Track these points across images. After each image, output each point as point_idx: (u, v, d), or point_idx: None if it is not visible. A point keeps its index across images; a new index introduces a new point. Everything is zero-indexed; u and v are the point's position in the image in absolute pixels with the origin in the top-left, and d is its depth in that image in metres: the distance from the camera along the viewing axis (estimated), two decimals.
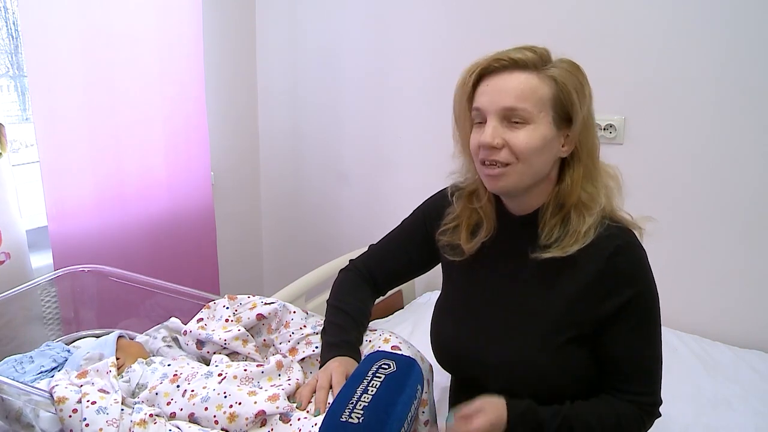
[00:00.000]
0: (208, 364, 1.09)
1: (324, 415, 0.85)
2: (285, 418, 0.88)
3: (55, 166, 1.57)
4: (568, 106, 0.90)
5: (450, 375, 1.15)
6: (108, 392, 0.93)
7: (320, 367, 0.99)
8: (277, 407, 0.89)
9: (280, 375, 1.00)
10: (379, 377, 0.89)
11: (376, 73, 2.10)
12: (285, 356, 1.07)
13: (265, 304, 1.16)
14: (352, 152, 2.23)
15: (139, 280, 1.36)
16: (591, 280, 0.92)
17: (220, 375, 0.97)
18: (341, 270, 1.20)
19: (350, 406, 0.83)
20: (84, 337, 1.37)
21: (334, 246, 2.30)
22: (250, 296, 1.20)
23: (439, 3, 1.93)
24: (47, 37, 1.50)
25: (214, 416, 0.90)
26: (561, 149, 0.93)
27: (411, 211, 1.17)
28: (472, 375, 1.03)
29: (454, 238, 1.05)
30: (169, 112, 1.83)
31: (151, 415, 0.90)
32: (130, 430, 0.87)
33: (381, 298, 1.22)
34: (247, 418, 0.88)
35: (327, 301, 1.13)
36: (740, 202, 1.60)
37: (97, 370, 1.02)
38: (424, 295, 2.02)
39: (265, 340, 1.15)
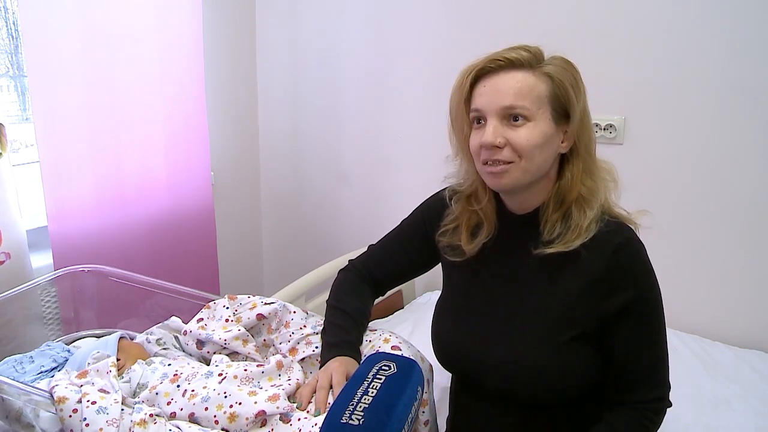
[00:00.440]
0: (208, 364, 1.09)
1: (324, 416, 0.85)
2: (285, 418, 0.88)
3: (55, 166, 1.57)
4: (565, 102, 0.92)
5: (450, 375, 1.15)
6: (108, 392, 0.93)
7: (320, 367, 0.99)
8: (278, 407, 0.89)
9: (280, 375, 1.00)
10: (380, 379, 0.89)
11: (376, 73, 2.10)
12: (285, 356, 1.07)
13: (265, 304, 1.16)
14: (352, 152, 2.23)
15: (139, 280, 1.36)
16: (593, 277, 0.92)
17: (220, 375, 0.97)
18: (340, 270, 1.20)
19: (350, 407, 0.83)
20: (84, 337, 1.37)
21: (334, 246, 2.30)
22: (250, 296, 1.20)
23: (439, 3, 1.93)
24: (47, 37, 1.50)
25: (215, 416, 0.90)
26: (560, 145, 0.94)
27: (410, 212, 1.17)
28: (473, 374, 1.03)
29: (454, 239, 1.05)
30: (169, 112, 1.83)
31: (151, 415, 0.90)
32: (130, 430, 0.87)
33: (381, 298, 1.22)
34: (247, 418, 0.88)
35: (327, 301, 1.13)
36: (740, 202, 1.60)
37: (97, 370, 1.02)
38: (424, 295, 2.02)
39: (265, 340, 1.15)
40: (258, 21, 2.31)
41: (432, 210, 1.11)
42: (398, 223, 1.18)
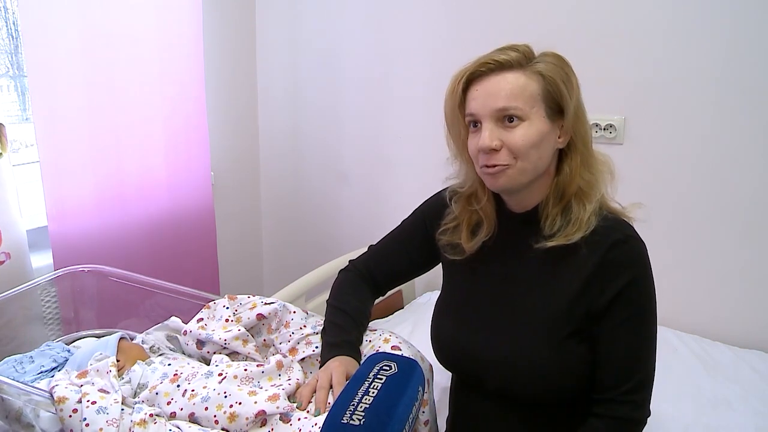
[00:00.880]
0: (208, 364, 1.09)
1: (325, 416, 0.85)
2: (285, 418, 0.88)
3: (55, 166, 1.57)
4: (558, 98, 0.92)
5: (450, 375, 1.15)
6: (108, 392, 0.93)
7: (320, 367, 0.99)
8: (278, 407, 0.89)
9: (280, 375, 1.00)
10: (381, 379, 0.89)
11: (376, 73, 2.10)
12: (285, 356, 1.07)
13: (265, 304, 1.16)
14: (352, 152, 2.23)
15: (139, 280, 1.36)
16: (591, 272, 0.93)
17: (220, 375, 0.97)
18: (341, 270, 1.20)
19: (351, 407, 0.83)
20: (84, 337, 1.37)
21: (334, 246, 2.30)
22: (250, 296, 1.20)
23: (439, 3, 1.93)
24: (47, 37, 1.50)
25: (215, 416, 0.89)
26: (557, 141, 0.95)
27: (411, 212, 1.17)
28: (473, 373, 1.03)
29: (454, 237, 1.05)
30: (169, 112, 1.83)
31: (151, 415, 0.90)
32: (130, 430, 0.87)
33: (381, 298, 1.23)
34: (247, 418, 0.88)
35: (327, 301, 1.13)
36: (740, 202, 1.60)
37: (97, 370, 1.02)
38: (424, 295, 2.02)
39: (265, 340, 1.15)
40: (258, 21, 2.31)
41: (433, 209, 1.12)
42: (398, 223, 1.19)
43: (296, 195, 2.42)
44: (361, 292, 1.14)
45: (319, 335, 1.09)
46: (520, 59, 0.91)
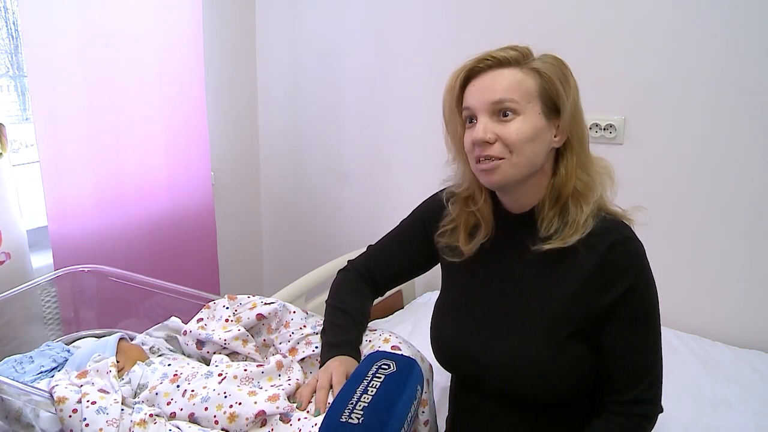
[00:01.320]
0: (208, 364, 1.09)
1: (324, 415, 0.85)
2: (285, 418, 0.88)
3: (55, 166, 1.57)
4: (555, 97, 0.93)
5: (450, 375, 1.15)
6: (108, 392, 0.93)
7: (320, 367, 0.99)
8: (277, 407, 0.89)
9: (280, 375, 1.00)
10: (379, 377, 0.89)
11: (376, 73, 2.10)
12: (285, 356, 1.07)
13: (265, 304, 1.16)
14: (352, 152, 2.23)
15: (139, 280, 1.36)
16: (589, 273, 0.93)
17: (220, 375, 0.97)
18: (340, 270, 1.20)
19: (350, 406, 0.83)
20: (84, 337, 1.37)
21: (334, 246, 2.30)
22: (250, 296, 1.20)
23: (439, 3, 1.93)
24: (47, 37, 1.50)
25: (214, 416, 0.90)
26: (553, 140, 0.95)
27: (410, 212, 1.17)
28: (472, 374, 1.03)
29: (452, 239, 1.05)
30: (169, 112, 1.83)
31: (151, 415, 0.90)
32: (130, 430, 0.87)
33: (380, 298, 1.23)
34: (247, 418, 0.88)
35: (326, 301, 1.13)
36: (740, 202, 1.60)
37: (97, 370, 1.02)
38: (424, 295, 2.02)
39: (265, 340, 1.15)
40: (258, 21, 2.31)
41: (431, 210, 1.12)
42: (398, 224, 1.19)
43: (296, 195, 2.42)
44: (360, 292, 1.14)
45: (319, 335, 1.09)
46: (519, 57, 0.93)
